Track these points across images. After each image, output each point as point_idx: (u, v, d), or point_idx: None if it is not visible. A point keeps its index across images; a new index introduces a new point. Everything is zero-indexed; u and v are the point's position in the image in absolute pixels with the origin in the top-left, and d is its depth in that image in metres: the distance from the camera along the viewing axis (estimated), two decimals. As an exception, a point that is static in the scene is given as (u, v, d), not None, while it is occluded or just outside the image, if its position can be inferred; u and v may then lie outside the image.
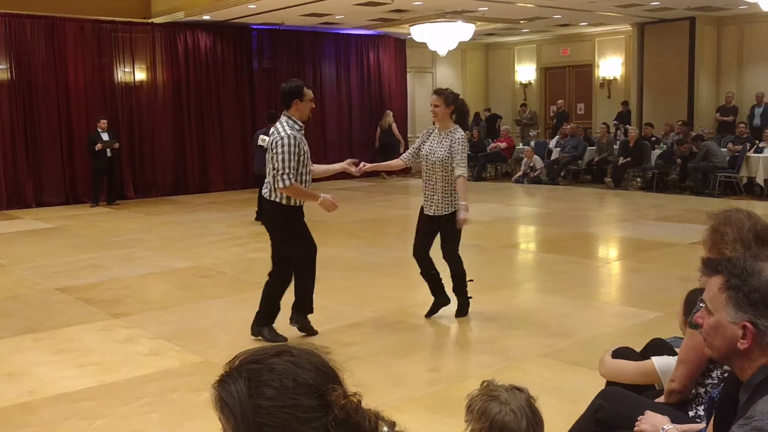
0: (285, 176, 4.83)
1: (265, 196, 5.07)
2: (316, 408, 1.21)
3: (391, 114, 17.80)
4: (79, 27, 13.77)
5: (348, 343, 5.07)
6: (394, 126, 17.61)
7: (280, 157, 4.82)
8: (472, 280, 5.81)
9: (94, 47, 13.98)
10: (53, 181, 13.52)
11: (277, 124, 4.98)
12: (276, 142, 4.85)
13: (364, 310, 6.05)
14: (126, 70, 14.53)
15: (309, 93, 5.05)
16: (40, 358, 5.02)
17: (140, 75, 14.70)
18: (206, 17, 14.33)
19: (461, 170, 5.39)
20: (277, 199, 4.97)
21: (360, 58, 17.93)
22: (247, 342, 4.98)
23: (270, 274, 5.24)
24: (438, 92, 5.55)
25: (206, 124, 15.36)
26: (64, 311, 6.17)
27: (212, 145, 15.48)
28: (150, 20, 14.53)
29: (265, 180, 5.06)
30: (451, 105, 5.46)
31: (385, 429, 1.36)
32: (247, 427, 1.19)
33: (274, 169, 4.87)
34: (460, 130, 5.56)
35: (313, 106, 5.19)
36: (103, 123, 13.11)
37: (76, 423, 3.96)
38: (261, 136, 10.26)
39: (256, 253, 8.67)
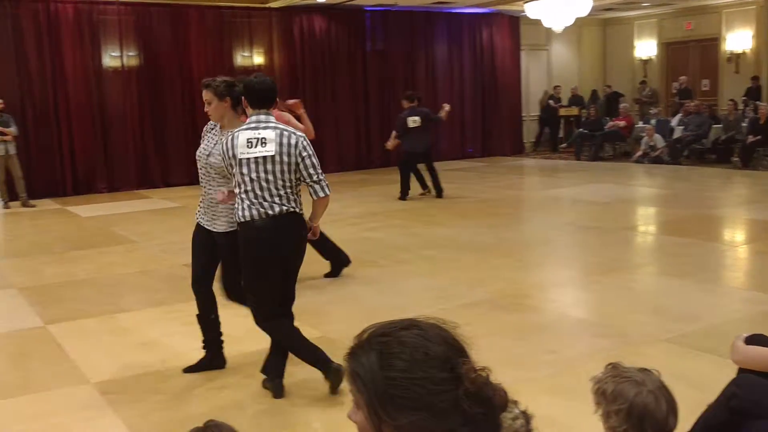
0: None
1: (284, 210, 3.86)
2: (447, 380, 1.21)
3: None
4: (201, 14, 14.31)
5: (463, 324, 5.06)
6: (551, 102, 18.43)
7: (316, 160, 3.97)
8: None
9: (215, 33, 14.50)
10: (178, 162, 14.14)
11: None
12: (305, 144, 3.92)
13: (478, 291, 6.02)
14: (244, 54, 14.99)
15: None
16: (170, 330, 5.29)
17: (258, 59, 15.13)
18: (321, 0, 14.55)
19: None
20: (299, 210, 3.97)
21: (473, 37, 17.73)
22: (364, 318, 5.05)
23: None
24: (206, 85, 4.26)
25: (321, 106, 15.64)
26: (188, 285, 6.46)
27: (327, 126, 15.74)
28: (267, 5, 14.89)
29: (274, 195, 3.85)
30: (227, 97, 4.20)
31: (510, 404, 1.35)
32: (380, 399, 1.21)
33: (310, 176, 3.91)
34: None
35: None
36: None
37: (205, 392, 4.16)
38: (412, 118, 10.97)
39: (371, 232, 8.80)
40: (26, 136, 12.76)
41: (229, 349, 4.67)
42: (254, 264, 3.92)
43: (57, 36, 13.15)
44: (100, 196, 13.12)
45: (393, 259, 7.29)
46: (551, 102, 18.52)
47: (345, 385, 2.89)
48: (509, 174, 14.64)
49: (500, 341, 4.71)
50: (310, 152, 3.91)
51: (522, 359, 4.41)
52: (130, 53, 13.88)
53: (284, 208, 3.84)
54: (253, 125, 3.88)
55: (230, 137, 3.88)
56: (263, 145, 3.82)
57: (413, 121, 11.04)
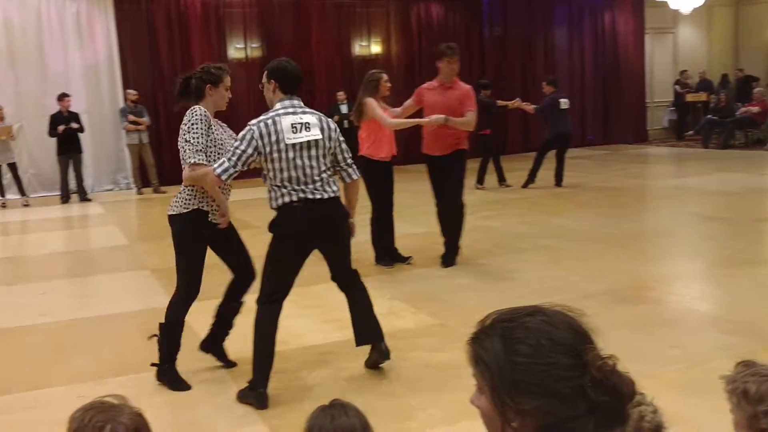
0: None
1: (324, 196, 3.87)
2: (572, 367, 1.20)
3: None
4: (321, 4, 14.61)
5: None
6: None
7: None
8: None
9: (334, 24, 14.77)
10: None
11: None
12: (338, 128, 4.05)
13: (597, 282, 5.87)
14: (362, 44, 15.17)
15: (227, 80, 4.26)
16: (290, 312, 5.41)
17: (376, 48, 15.28)
18: (438, -12, 14.51)
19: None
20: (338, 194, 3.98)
21: (594, 21, 17.23)
22: (481, 307, 5.04)
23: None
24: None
25: (437, 94, 15.63)
26: (309, 270, 6.62)
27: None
28: (385, -6, 15.03)
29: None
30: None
31: (639, 397, 1.32)
32: (504, 384, 1.21)
33: (345, 160, 4.03)
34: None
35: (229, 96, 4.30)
36: (341, 95, 13.84)
37: (323, 373, 4.28)
38: (563, 99, 11.08)
39: (487, 221, 8.74)
40: (158, 125, 13.47)
41: (345, 333, 4.74)
42: (282, 245, 3.93)
43: (186, 30, 13.80)
44: (225, 183, 13.64)
45: (510, 249, 7.21)
46: (677, 87, 17.73)
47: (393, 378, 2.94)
48: (632, 162, 14.14)
49: (621, 334, 4.56)
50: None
51: (645, 353, 4.27)
52: (253, 45, 14.36)
53: (325, 194, 3.83)
54: (290, 110, 3.83)
55: (269, 122, 3.77)
56: (308, 129, 3.79)
57: (565, 103, 11.00)
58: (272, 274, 3.99)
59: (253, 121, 3.82)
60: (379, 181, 6.61)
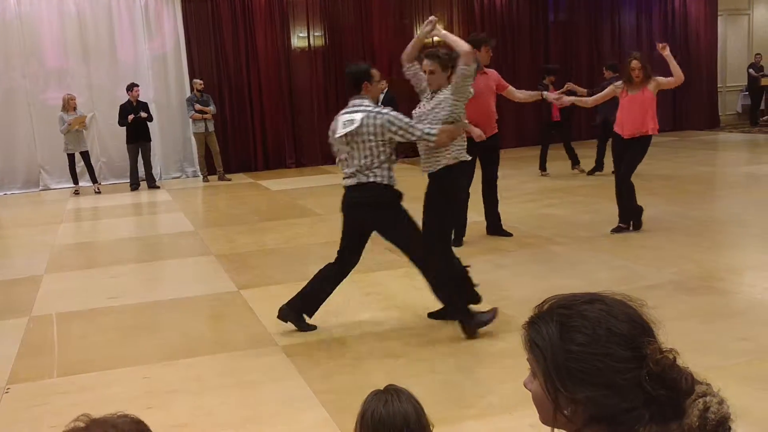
0: None
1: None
2: (629, 359, 1.17)
3: None
4: (383, -8, 14.60)
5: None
6: None
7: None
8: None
9: (395, 10, 14.74)
10: (359, 138, 14.58)
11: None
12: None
13: (663, 272, 5.73)
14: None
15: (377, 74, 4.87)
16: (351, 298, 5.49)
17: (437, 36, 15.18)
18: (502, -27, 14.31)
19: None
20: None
21: (663, 4, 16.73)
22: (541, 296, 4.98)
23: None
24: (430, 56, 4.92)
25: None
26: (371, 258, 6.64)
27: (506, 101, 15.52)
28: (448, -20, 14.90)
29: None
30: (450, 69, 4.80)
31: (705, 388, 1.27)
32: (558, 370, 1.20)
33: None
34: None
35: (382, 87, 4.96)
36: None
37: (382, 360, 4.30)
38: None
39: (549, 209, 8.63)
40: (223, 114, 13.71)
41: (404, 320, 4.77)
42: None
43: (250, 19, 13.97)
44: (288, 171, 13.85)
45: (572, 237, 7.10)
46: (752, 71, 17.11)
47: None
48: (702, 149, 13.74)
49: (687, 325, 4.46)
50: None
51: (711, 345, 4.16)
52: (316, 33, 14.46)
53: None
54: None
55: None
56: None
57: None
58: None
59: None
60: None
